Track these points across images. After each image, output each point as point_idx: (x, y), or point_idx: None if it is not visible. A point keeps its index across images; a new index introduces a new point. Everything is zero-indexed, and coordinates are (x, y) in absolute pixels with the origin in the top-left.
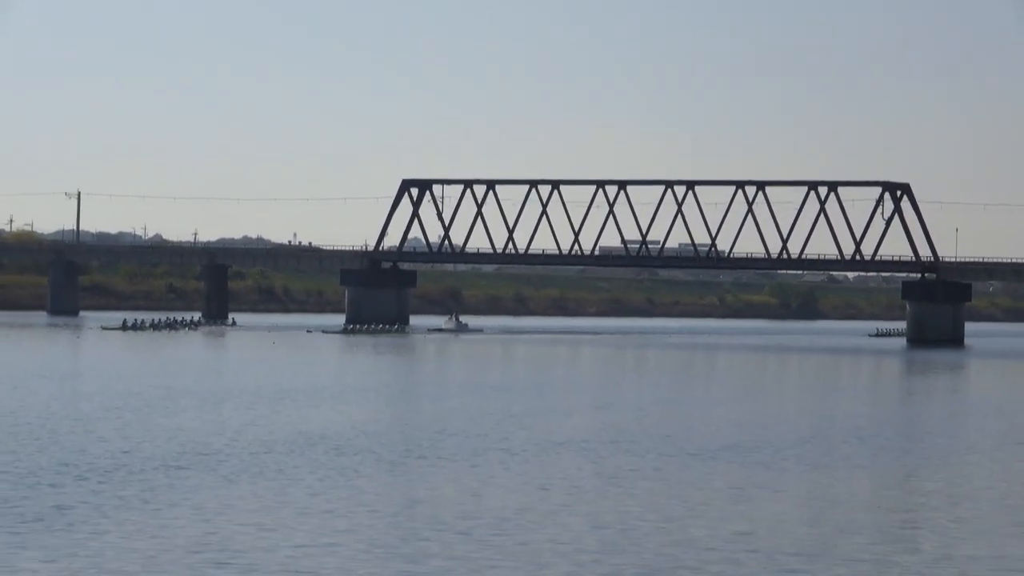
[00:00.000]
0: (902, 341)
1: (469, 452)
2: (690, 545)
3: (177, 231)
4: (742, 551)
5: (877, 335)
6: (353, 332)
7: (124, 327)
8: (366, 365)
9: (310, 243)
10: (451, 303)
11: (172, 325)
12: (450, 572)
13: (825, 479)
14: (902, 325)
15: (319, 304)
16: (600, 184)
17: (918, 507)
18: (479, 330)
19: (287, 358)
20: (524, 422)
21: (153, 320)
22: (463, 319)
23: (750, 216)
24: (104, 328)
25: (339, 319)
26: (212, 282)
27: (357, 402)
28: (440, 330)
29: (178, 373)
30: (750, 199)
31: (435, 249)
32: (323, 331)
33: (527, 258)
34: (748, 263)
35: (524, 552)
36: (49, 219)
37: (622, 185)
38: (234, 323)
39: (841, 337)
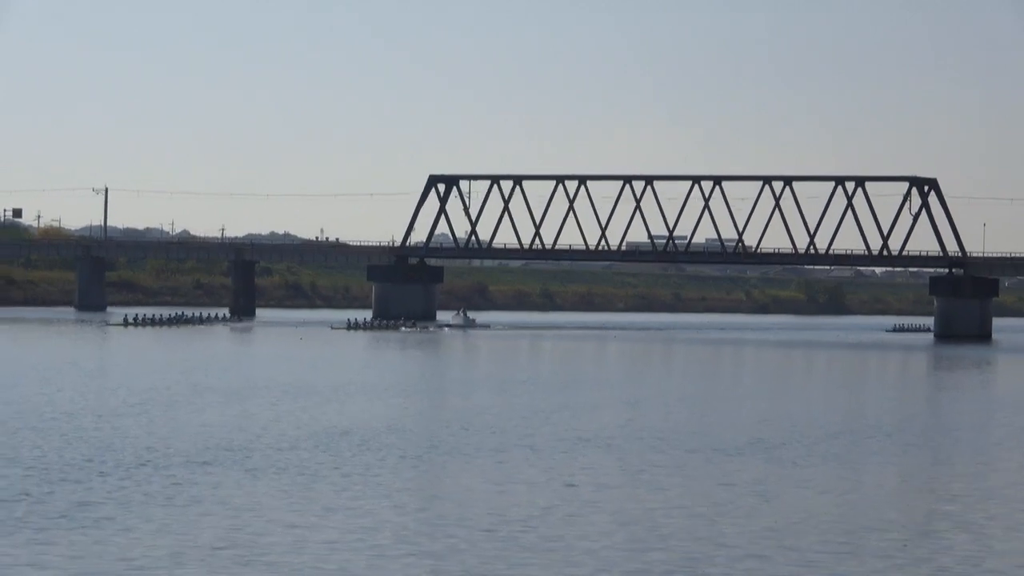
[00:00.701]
0: (924, 337)
1: (494, 448)
2: (718, 542)
3: (204, 227)
4: (770, 547)
5: (895, 331)
6: (354, 328)
7: (125, 323)
8: (392, 361)
9: (337, 239)
10: (477, 299)
11: (177, 321)
12: (476, 569)
13: (853, 475)
14: (923, 320)
15: (346, 300)
16: (627, 179)
17: (947, 503)
18: (486, 326)
19: (314, 354)
20: (549, 418)
21: (155, 316)
22: (471, 315)
23: (777, 211)
24: (108, 324)
25: (366, 315)
26: (239, 278)
27: (382, 398)
28: (448, 326)
29: (204, 369)
30: (777, 194)
31: (462, 245)
32: (331, 327)
33: (554, 254)
34: (775, 258)
35: (551, 549)
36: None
37: (649, 180)
38: (238, 318)
39: (860, 332)
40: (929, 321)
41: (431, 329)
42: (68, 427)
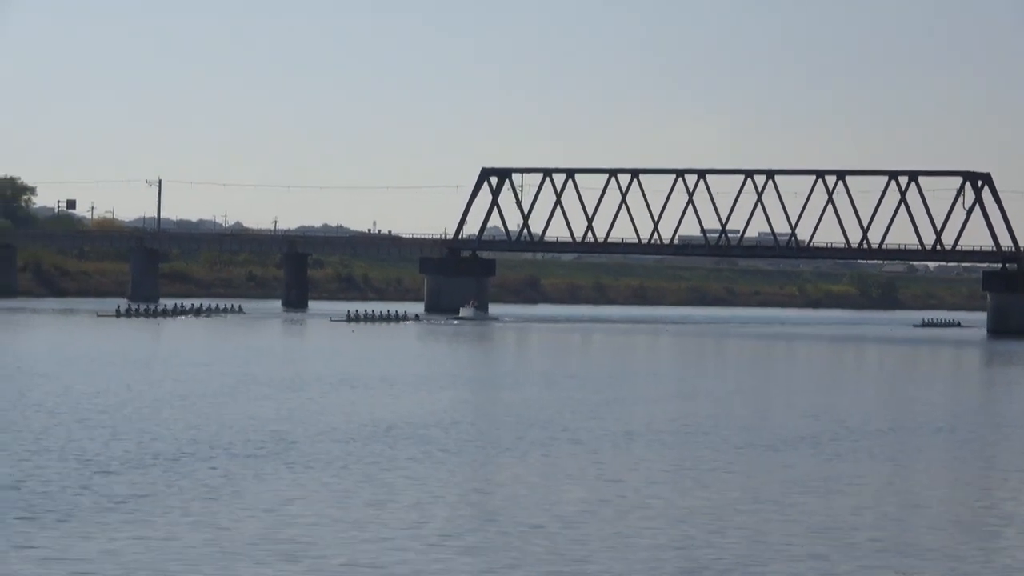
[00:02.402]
0: (957, 332)
1: (542, 442)
2: (773, 540)
3: (257, 219)
4: (828, 546)
5: (923, 325)
6: (356, 320)
7: (117, 313)
8: (442, 353)
9: (389, 231)
10: (530, 292)
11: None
12: (524, 565)
13: (904, 471)
14: (955, 315)
15: (398, 292)
16: (680, 173)
17: (1000, 501)
18: (496, 318)
19: (366, 346)
20: (599, 412)
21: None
22: (480, 307)
23: (830, 205)
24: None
25: (418, 307)
26: (292, 270)
27: (428, 391)
28: (460, 318)
29: (254, 360)
30: (830, 188)
31: (514, 238)
32: (330, 319)
33: (606, 247)
34: (828, 253)
35: (602, 546)
36: (130, 207)
37: (702, 174)
38: (240, 309)
39: (890, 327)
40: (962, 316)
41: (443, 322)
42: (114, 419)
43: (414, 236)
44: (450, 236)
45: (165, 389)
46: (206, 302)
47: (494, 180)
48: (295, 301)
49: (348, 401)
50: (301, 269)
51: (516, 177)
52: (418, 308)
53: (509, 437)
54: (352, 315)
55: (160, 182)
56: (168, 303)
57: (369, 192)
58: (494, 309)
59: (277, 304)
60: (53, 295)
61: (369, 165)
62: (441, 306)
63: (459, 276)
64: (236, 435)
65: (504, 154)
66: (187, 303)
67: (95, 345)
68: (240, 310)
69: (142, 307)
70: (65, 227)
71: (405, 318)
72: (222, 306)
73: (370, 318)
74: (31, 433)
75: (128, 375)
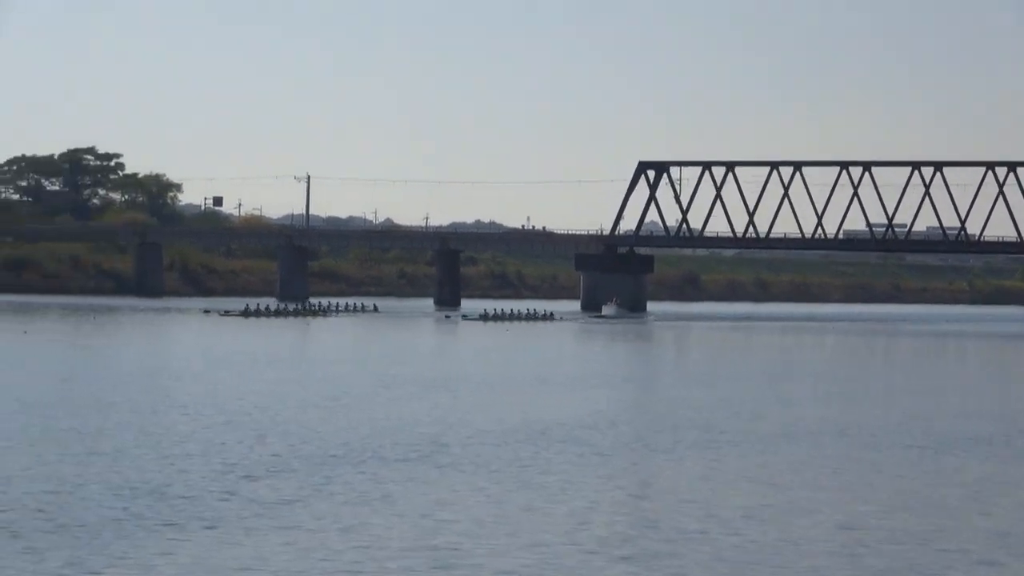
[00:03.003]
0: None
1: (702, 444)
2: (942, 546)
3: (408, 215)
4: (1003, 553)
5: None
6: (490, 319)
7: (245, 312)
8: (596, 353)
9: (544, 227)
10: (689, 289)
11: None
12: (687, 574)
13: None
14: None
15: (553, 290)
16: (844, 165)
17: None
18: (642, 316)
19: (518, 345)
20: (759, 412)
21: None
22: (623, 305)
23: (1001, 198)
24: (208, 312)
25: (574, 306)
26: (444, 267)
27: (584, 391)
28: (602, 316)
29: (404, 360)
30: (1001, 180)
31: (672, 233)
32: (462, 317)
33: (768, 242)
34: (999, 247)
35: (766, 552)
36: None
37: (867, 166)
38: (375, 308)
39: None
40: None
41: (583, 320)
42: (260, 421)
43: (569, 232)
44: (606, 232)
45: (311, 390)
46: (342, 301)
47: (651, 174)
48: (448, 299)
49: (500, 402)
50: (453, 266)
51: (674, 170)
52: (573, 307)
53: (667, 439)
54: (487, 314)
55: (309, 178)
56: (314, 301)
57: (523, 187)
58: (652, 307)
59: (429, 303)
60: (200, 294)
61: (522, 159)
62: (597, 304)
63: (616, 273)
64: (385, 437)
65: (661, 147)
66: (324, 301)
67: (237, 345)
68: (375, 309)
69: (263, 306)
70: (212, 225)
71: (546, 317)
72: (351, 305)
73: (507, 317)
74: (176, 436)
75: (273, 375)
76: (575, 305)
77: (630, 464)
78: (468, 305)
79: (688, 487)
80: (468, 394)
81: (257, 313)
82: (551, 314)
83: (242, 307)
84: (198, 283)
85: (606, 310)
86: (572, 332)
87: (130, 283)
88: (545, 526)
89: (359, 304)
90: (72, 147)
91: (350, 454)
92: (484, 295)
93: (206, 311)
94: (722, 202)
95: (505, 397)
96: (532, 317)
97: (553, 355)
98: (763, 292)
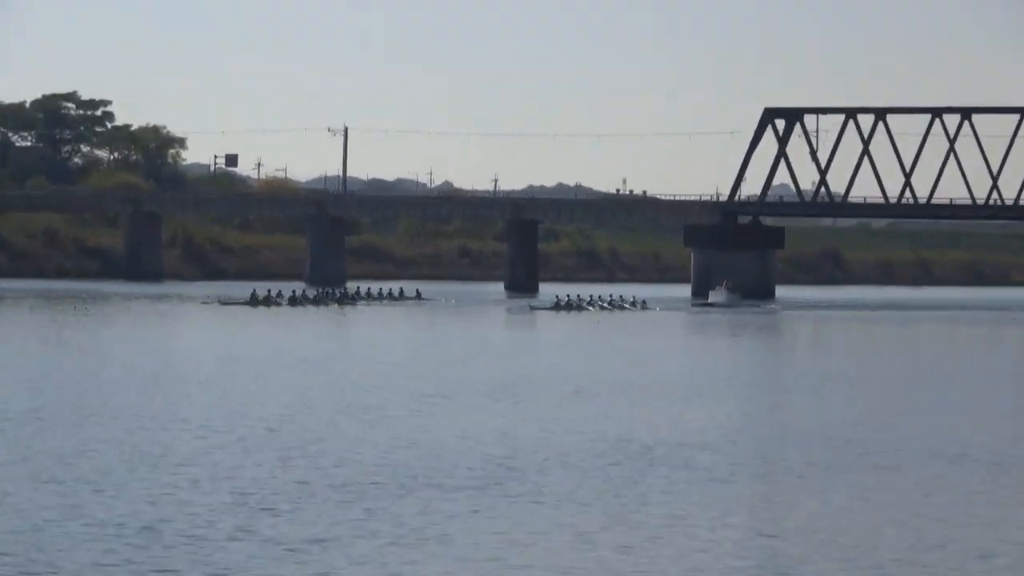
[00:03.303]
0: None
1: (842, 466)
2: None
3: (472, 178)
4: None
5: None
6: (564, 308)
7: (253, 301)
8: (710, 351)
9: (644, 192)
10: (830, 268)
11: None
12: None
13: None
14: None
15: (656, 271)
16: None
17: None
18: (762, 305)
19: (611, 342)
20: (915, 428)
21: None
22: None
23: None
24: (219, 302)
25: (684, 291)
26: (517, 244)
27: (695, 400)
28: (708, 304)
29: (464, 360)
30: None
31: (808, 199)
32: (529, 306)
33: (930, 210)
34: None
35: None
36: (307, 163)
37: None
38: (418, 295)
39: None
40: None
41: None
42: (283, 437)
43: (677, 198)
44: (724, 198)
45: (347, 398)
46: (375, 286)
47: (781, 124)
48: (522, 282)
49: (587, 414)
50: (530, 242)
51: (809, 120)
52: (682, 292)
53: (799, 461)
54: (560, 302)
55: (346, 131)
56: (352, 286)
57: (616, 140)
58: (782, 292)
59: (498, 287)
60: (206, 277)
61: (616, 107)
62: (712, 287)
63: (737, 250)
64: (442, 459)
65: (793, 91)
66: (359, 287)
67: (252, 342)
68: (418, 295)
69: (274, 293)
70: (224, 190)
71: (636, 305)
72: (386, 291)
73: (585, 305)
74: (176, 456)
75: (299, 380)
76: (684, 290)
77: (754, 493)
78: (547, 290)
79: (829, 523)
80: (546, 404)
81: (267, 302)
82: (643, 302)
83: (248, 295)
84: (206, 263)
85: (713, 297)
86: (677, 325)
87: (120, 263)
88: (646, 571)
89: (395, 290)
90: (48, 92)
91: (396, 480)
92: (568, 278)
93: (204, 302)
94: (871, 159)
95: (593, 408)
96: (618, 306)
97: (654, 354)
98: (924, 274)
